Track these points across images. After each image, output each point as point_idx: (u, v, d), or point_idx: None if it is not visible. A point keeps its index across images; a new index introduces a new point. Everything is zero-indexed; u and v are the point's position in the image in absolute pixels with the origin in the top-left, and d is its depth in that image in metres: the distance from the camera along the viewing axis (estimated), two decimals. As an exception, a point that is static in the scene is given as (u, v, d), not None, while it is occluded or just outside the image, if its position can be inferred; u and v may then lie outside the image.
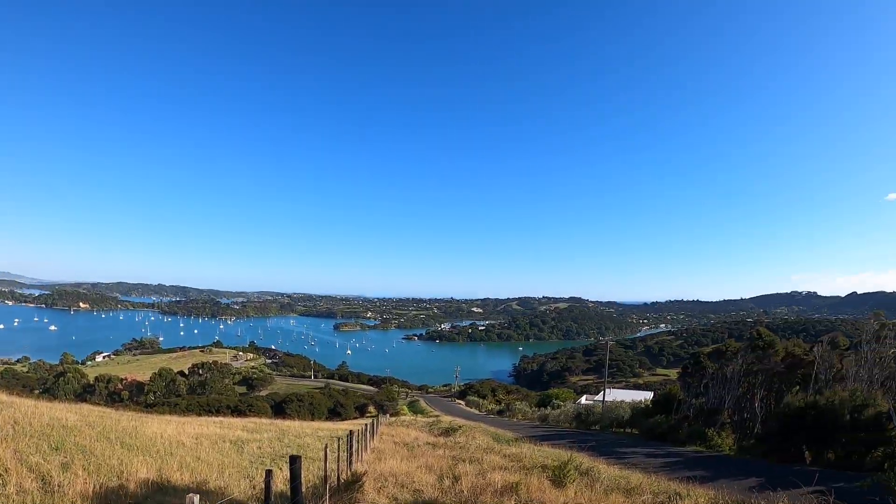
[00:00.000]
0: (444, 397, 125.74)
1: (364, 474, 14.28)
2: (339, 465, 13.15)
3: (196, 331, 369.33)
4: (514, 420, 59.89)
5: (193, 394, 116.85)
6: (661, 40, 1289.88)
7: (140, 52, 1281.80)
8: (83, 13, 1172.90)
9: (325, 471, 12.02)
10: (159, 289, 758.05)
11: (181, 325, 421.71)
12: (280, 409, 77.54)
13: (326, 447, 12.32)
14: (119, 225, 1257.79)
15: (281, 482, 14.10)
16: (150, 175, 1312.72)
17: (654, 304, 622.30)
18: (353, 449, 17.02)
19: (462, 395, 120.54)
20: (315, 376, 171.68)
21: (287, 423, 36.80)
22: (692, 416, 33.23)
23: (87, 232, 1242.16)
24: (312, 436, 28.18)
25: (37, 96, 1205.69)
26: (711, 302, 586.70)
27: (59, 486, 9.49)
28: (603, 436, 36.62)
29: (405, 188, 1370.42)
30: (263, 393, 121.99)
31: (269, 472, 7.22)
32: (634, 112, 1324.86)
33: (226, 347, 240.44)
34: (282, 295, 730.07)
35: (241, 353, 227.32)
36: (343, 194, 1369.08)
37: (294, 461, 8.26)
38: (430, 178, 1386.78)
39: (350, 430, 19.26)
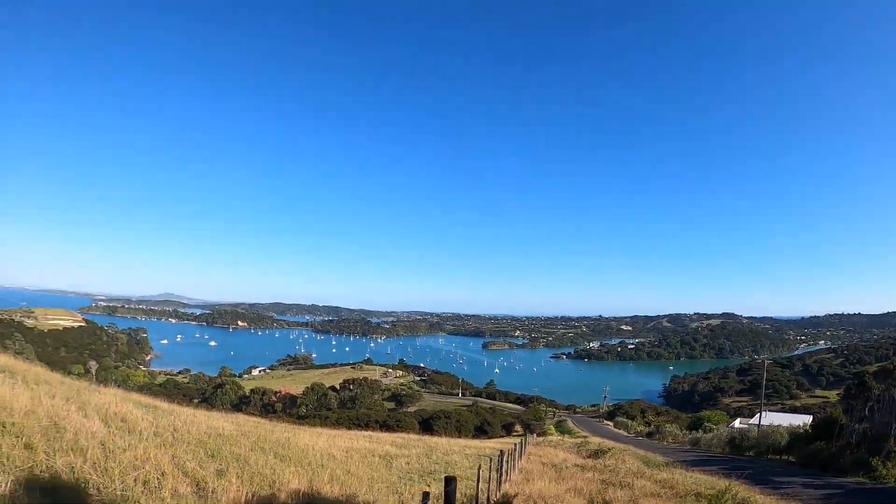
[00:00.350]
0: (592, 418, 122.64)
1: (514, 496, 13.55)
2: (489, 486, 12.51)
3: (347, 348, 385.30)
4: (664, 443, 57.87)
5: (344, 408, 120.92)
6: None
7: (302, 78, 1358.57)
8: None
9: (477, 491, 11.43)
10: (313, 309, 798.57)
11: (333, 342, 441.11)
12: (427, 425, 78.25)
13: (480, 468, 11.76)
14: (276, 249, 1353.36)
15: (431, 501, 13.72)
16: (304, 200, 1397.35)
17: (811, 318, 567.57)
18: (503, 469, 16.39)
19: (611, 415, 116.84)
20: (463, 394, 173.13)
21: (435, 439, 36.78)
22: (855, 443, 29.59)
23: (247, 256, 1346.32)
24: (460, 453, 27.90)
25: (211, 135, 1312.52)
26: (875, 315, 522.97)
27: (212, 491, 9.53)
28: (757, 463, 33.94)
29: (551, 200, 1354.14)
30: (411, 409, 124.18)
31: (426, 495, 6.78)
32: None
33: (376, 364, 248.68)
34: (431, 314, 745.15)
35: (390, 370, 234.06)
36: (494, 211, 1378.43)
37: (449, 483, 7.71)
38: (577, 189, 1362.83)
39: (500, 450, 18.65)
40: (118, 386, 33.39)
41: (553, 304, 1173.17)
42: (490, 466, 14.13)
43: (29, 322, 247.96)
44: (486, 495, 12.41)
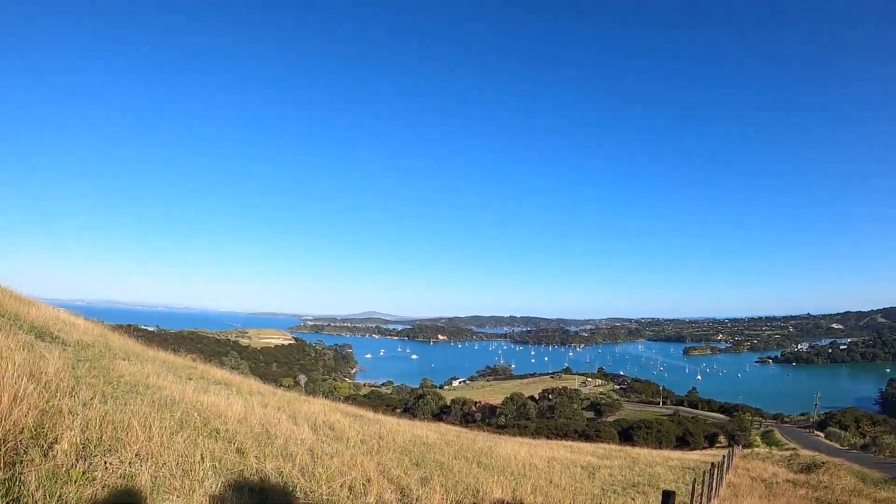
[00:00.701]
0: (801, 428, 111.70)
1: None
2: (693, 499, 11.37)
3: (546, 358, 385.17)
4: (881, 457, 52.23)
5: (542, 418, 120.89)
6: None
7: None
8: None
9: None
10: (511, 320, 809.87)
11: (532, 353, 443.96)
12: (627, 435, 76.03)
13: (694, 483, 10.75)
14: (472, 264, 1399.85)
15: None
16: (499, 215, 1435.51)
17: None
18: (712, 484, 15.07)
19: (821, 426, 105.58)
20: (663, 402, 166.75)
21: (636, 450, 35.74)
22: None
23: (445, 272, 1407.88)
24: (663, 465, 26.92)
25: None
26: None
27: (416, 499, 9.44)
28: None
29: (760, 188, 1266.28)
30: (611, 419, 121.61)
31: None
32: None
33: (575, 374, 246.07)
34: (629, 320, 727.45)
35: (589, 378, 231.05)
36: (695, 208, 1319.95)
37: (667, 498, 6.98)
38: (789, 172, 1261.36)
39: (711, 463, 17.33)
40: (325, 397, 35.42)
41: (757, 304, 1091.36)
42: (702, 481, 12.97)
43: (243, 341, 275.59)
44: None
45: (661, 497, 7.51)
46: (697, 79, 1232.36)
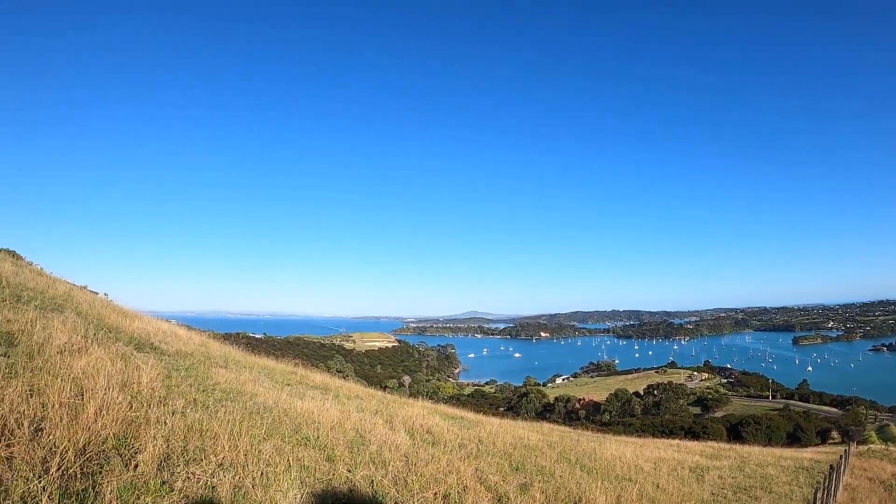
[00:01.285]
0: None
1: None
2: None
3: (650, 352, 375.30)
4: None
5: (647, 414, 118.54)
6: None
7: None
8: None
9: None
10: (613, 314, 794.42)
11: (635, 347, 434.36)
12: (735, 431, 72.91)
13: (816, 491, 9.82)
14: (574, 259, 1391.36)
15: None
16: (597, 207, 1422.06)
17: None
18: (831, 488, 13.85)
19: None
20: (772, 396, 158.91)
21: (746, 448, 34.18)
22: None
23: (546, 269, 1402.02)
24: (775, 465, 25.64)
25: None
26: None
27: (514, 508, 9.01)
28: None
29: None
30: (718, 414, 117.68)
31: None
32: None
33: (680, 368, 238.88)
34: (735, 310, 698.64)
35: (695, 373, 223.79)
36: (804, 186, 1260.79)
37: None
38: None
39: (830, 465, 16.06)
40: (429, 398, 35.57)
41: (871, 288, 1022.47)
42: (823, 486, 11.91)
43: (348, 345, 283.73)
44: None
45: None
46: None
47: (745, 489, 18.11)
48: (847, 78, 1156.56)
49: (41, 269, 20.39)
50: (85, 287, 21.04)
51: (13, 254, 23.34)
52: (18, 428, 5.23)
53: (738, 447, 33.87)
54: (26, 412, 5.56)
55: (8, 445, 5.02)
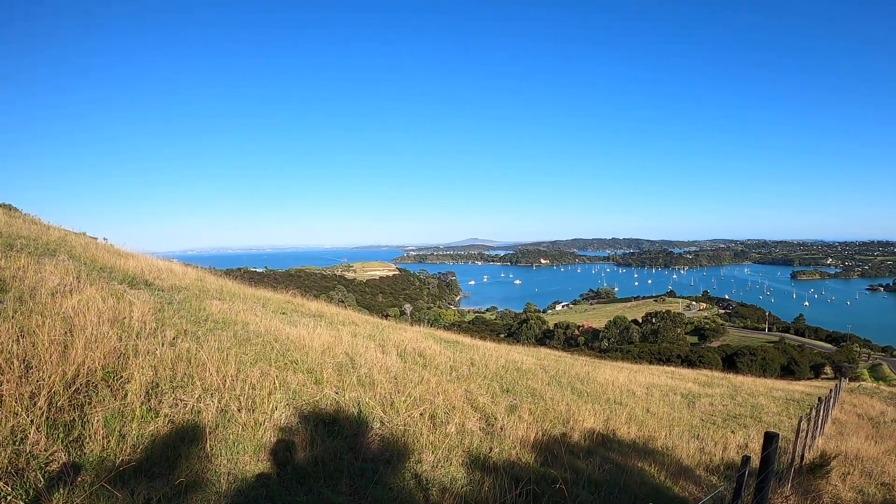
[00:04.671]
0: None
1: (833, 457, 11.35)
2: (797, 440, 10.56)
3: (650, 281, 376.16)
4: None
5: (645, 342, 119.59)
6: None
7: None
8: None
9: (794, 450, 9.81)
10: (613, 242, 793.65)
11: (635, 275, 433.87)
12: (731, 362, 73.85)
13: (800, 421, 10.04)
14: (573, 185, 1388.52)
15: (734, 450, 12.57)
16: (597, 135, 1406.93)
17: None
18: (818, 420, 14.10)
19: None
20: (769, 329, 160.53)
21: (739, 378, 34.86)
22: None
23: (545, 195, 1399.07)
24: (766, 395, 26.16)
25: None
26: None
27: (500, 429, 9.25)
28: None
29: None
30: (714, 344, 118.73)
31: (745, 460, 5.68)
32: None
33: (678, 297, 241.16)
34: (735, 242, 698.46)
35: (693, 302, 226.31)
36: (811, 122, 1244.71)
37: (770, 442, 6.43)
38: None
39: (818, 398, 16.34)
40: (430, 325, 35.95)
41: (871, 227, 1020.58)
42: (808, 417, 12.14)
43: (349, 275, 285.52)
44: (800, 451, 10.57)
45: (762, 438, 6.98)
46: None
47: (735, 417, 18.46)
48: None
49: (37, 218, 20.29)
50: (83, 233, 20.94)
51: (8, 207, 23.20)
52: (8, 367, 5.40)
53: (731, 377, 34.37)
54: (16, 352, 5.72)
55: (-3, 385, 5.20)
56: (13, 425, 4.80)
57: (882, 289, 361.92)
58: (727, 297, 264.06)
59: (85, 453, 4.96)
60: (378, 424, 7.66)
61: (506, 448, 8.48)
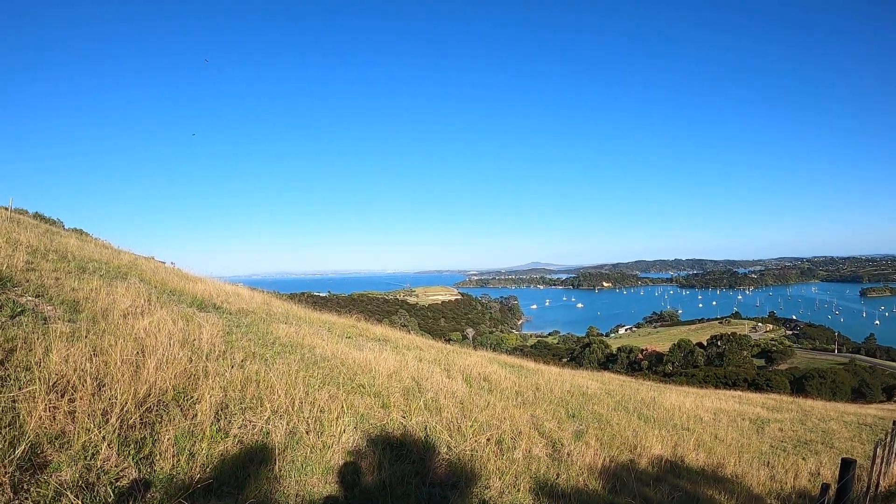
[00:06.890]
0: None
1: None
2: (873, 466, 9.90)
3: (714, 302, 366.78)
4: None
5: (710, 365, 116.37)
6: None
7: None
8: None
9: (870, 476, 9.21)
10: (676, 263, 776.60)
11: (699, 297, 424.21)
12: (799, 385, 70.92)
13: (876, 447, 9.43)
14: (635, 209, 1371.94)
15: (805, 477, 12.03)
16: (661, 156, 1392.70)
17: None
18: (893, 446, 13.25)
19: None
20: (838, 350, 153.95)
21: (809, 402, 33.12)
22: None
23: (607, 217, 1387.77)
24: (837, 420, 24.67)
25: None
26: None
27: (567, 455, 9.00)
28: None
29: None
30: (782, 367, 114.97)
31: (825, 489, 5.35)
32: None
33: (744, 318, 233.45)
34: (801, 260, 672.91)
35: (759, 324, 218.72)
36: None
37: (847, 468, 6.05)
38: None
39: (893, 421, 15.44)
40: (492, 349, 35.72)
41: None
42: (884, 444, 11.41)
43: (411, 300, 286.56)
44: (875, 478, 9.92)
45: (839, 465, 6.59)
46: None
47: (806, 443, 17.67)
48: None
49: (108, 243, 21.01)
50: (152, 257, 21.65)
51: (80, 231, 24.16)
52: (81, 384, 5.49)
53: (800, 400, 33.04)
54: (89, 370, 5.81)
55: (70, 401, 5.28)
56: (85, 441, 4.84)
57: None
58: (794, 317, 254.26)
59: (155, 470, 4.99)
60: (445, 449, 7.51)
61: (573, 475, 8.23)
